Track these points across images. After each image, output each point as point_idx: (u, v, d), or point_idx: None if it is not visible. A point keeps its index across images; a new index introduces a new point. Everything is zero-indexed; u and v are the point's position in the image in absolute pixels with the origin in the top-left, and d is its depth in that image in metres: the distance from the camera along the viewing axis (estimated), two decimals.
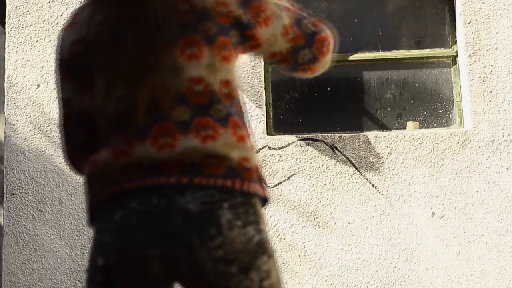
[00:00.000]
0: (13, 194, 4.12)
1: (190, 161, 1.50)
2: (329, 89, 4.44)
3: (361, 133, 4.21)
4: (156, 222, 1.47)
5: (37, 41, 4.27)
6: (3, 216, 4.14)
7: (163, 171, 1.49)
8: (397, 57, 4.42)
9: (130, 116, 1.54)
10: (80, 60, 1.63)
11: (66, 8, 4.30)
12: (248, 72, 4.23)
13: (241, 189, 1.52)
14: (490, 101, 4.19)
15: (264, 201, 1.63)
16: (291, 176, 4.12)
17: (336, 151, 4.13)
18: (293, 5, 1.77)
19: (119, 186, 1.50)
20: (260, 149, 4.15)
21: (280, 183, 4.13)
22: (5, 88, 4.24)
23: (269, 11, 1.67)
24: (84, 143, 1.67)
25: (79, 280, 4.04)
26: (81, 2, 4.28)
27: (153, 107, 1.53)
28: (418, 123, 4.35)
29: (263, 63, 4.30)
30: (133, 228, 1.47)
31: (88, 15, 1.64)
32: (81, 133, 1.67)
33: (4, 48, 4.36)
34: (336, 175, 4.13)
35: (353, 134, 4.20)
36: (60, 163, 4.14)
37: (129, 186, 1.50)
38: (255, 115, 4.18)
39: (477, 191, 4.11)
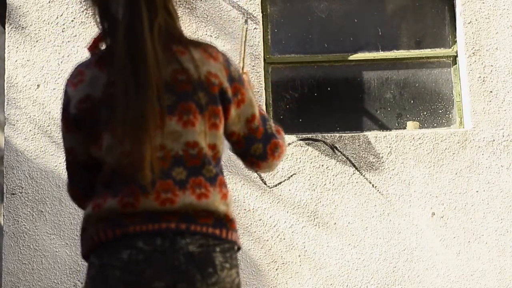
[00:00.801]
0: (13, 194, 4.12)
1: (186, 212, 1.74)
2: (329, 89, 4.44)
3: (361, 133, 4.21)
4: (162, 260, 1.70)
5: (37, 41, 4.27)
6: (3, 216, 4.14)
7: (163, 218, 1.72)
8: (397, 57, 4.42)
9: (136, 172, 1.73)
10: (87, 116, 1.81)
11: (66, 8, 4.30)
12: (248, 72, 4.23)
13: (227, 237, 1.77)
14: (490, 101, 4.19)
15: (238, 248, 1.86)
16: (291, 176, 4.12)
17: (336, 151, 4.13)
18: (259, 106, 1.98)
19: (124, 229, 1.72)
20: None
21: (280, 183, 4.13)
22: (5, 88, 4.24)
23: (245, 95, 1.88)
24: (87, 186, 1.89)
25: (79, 280, 4.04)
26: (80, 2, 4.28)
27: (156, 166, 1.73)
28: (418, 123, 4.35)
29: (263, 63, 4.30)
30: (142, 265, 1.70)
31: (94, 75, 1.82)
32: (84, 178, 1.90)
33: (4, 48, 4.36)
34: (336, 175, 4.13)
35: (353, 134, 4.20)
36: (60, 163, 4.14)
37: (133, 229, 1.72)
38: None
39: (477, 191, 4.11)
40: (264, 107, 4.23)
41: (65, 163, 1.95)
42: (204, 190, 1.75)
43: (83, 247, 1.80)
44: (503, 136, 4.16)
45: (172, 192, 1.73)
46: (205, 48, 1.84)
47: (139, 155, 1.72)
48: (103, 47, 1.87)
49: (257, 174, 4.14)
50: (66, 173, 1.96)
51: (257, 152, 1.93)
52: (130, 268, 1.70)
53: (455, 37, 4.40)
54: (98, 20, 1.89)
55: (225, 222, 1.78)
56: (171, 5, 1.85)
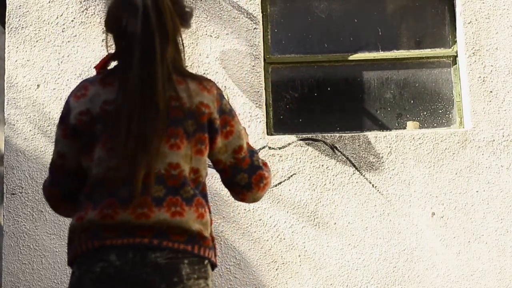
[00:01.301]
0: (13, 194, 4.12)
1: (160, 229, 1.87)
2: (329, 89, 4.44)
3: (361, 133, 4.21)
4: (131, 273, 1.85)
5: (37, 41, 4.27)
6: (3, 216, 4.14)
7: (138, 233, 1.86)
8: (397, 57, 4.42)
9: (117, 186, 1.89)
10: (84, 128, 1.96)
11: (66, 8, 4.30)
12: (248, 72, 4.23)
13: (198, 252, 1.90)
14: (490, 101, 4.19)
15: (214, 265, 2.00)
16: (291, 176, 4.12)
17: (336, 151, 4.13)
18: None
19: (102, 241, 1.87)
20: (260, 149, 4.15)
21: (280, 183, 4.13)
22: (5, 88, 4.24)
23: (234, 127, 2.04)
24: (70, 193, 2.06)
25: None
26: (81, 2, 4.29)
27: (136, 182, 1.87)
28: (418, 123, 4.35)
29: (263, 63, 4.30)
30: (112, 278, 1.85)
31: (96, 92, 1.98)
32: (68, 184, 2.05)
33: (4, 48, 4.36)
34: (336, 175, 4.13)
35: (353, 134, 4.20)
36: None
37: (110, 242, 1.86)
38: (255, 115, 4.18)
39: (477, 191, 4.11)
40: (264, 107, 4.23)
41: (50, 165, 2.09)
42: (179, 208, 1.89)
43: (68, 255, 1.96)
44: (503, 136, 4.16)
45: (148, 208, 1.87)
46: (202, 81, 2.01)
47: (123, 171, 1.88)
48: (110, 67, 2.04)
49: None
50: (49, 174, 2.09)
51: (242, 181, 2.07)
52: (102, 280, 1.85)
53: (455, 37, 4.40)
54: (110, 44, 2.05)
55: (198, 239, 1.91)
56: (179, 39, 2.04)
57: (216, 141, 2.00)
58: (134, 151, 1.87)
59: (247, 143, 2.09)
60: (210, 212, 2.01)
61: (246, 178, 2.07)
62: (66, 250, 1.95)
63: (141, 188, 1.87)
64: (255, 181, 2.07)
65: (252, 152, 2.09)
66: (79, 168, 2.00)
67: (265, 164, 2.12)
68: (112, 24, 2.02)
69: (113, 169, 1.89)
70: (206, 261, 1.93)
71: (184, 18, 2.10)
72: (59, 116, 2.09)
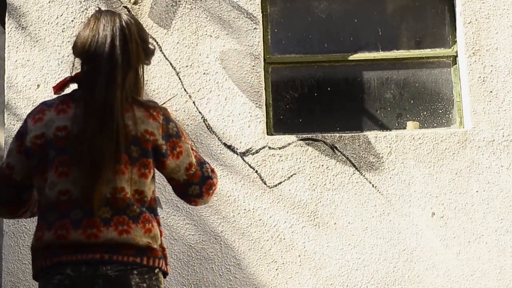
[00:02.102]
0: None
1: (110, 246, 2.06)
2: (329, 89, 4.44)
3: (361, 133, 4.21)
4: (84, 285, 2.05)
5: (37, 41, 4.27)
6: None
7: (91, 250, 2.06)
8: (397, 57, 4.42)
9: (69, 208, 2.07)
10: (37, 150, 2.14)
11: (66, 8, 4.30)
12: (248, 72, 4.23)
13: (147, 263, 2.09)
14: (490, 101, 4.19)
15: (165, 273, 2.19)
16: (291, 176, 4.12)
17: (336, 151, 4.13)
18: (198, 152, 2.33)
19: (58, 258, 2.07)
20: (260, 149, 4.15)
21: (280, 183, 4.13)
22: (5, 88, 4.24)
23: (182, 148, 2.20)
24: (8, 201, 2.28)
25: None
26: (80, 2, 4.29)
27: (86, 205, 2.06)
28: (418, 123, 4.35)
29: (263, 63, 4.30)
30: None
31: (51, 118, 2.15)
32: (11, 194, 2.26)
33: (4, 48, 4.36)
34: (336, 175, 4.13)
35: (353, 134, 4.20)
36: None
37: (66, 258, 2.06)
38: (255, 115, 4.18)
39: (477, 191, 4.11)
40: (264, 107, 4.23)
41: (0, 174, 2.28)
42: (126, 227, 2.08)
43: (32, 271, 2.16)
44: (503, 136, 4.16)
45: (97, 228, 2.06)
46: (149, 108, 2.15)
47: (74, 195, 2.07)
48: (70, 90, 2.20)
49: (257, 174, 4.15)
50: None
51: (194, 192, 2.26)
52: None
53: (455, 37, 4.40)
54: (77, 67, 2.22)
55: (147, 251, 2.10)
56: (140, 69, 2.21)
57: (166, 164, 2.19)
58: (84, 177, 2.05)
59: (196, 156, 2.26)
60: (159, 224, 2.18)
61: (198, 189, 2.25)
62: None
63: (90, 211, 2.06)
64: (205, 189, 2.27)
65: (201, 164, 2.27)
66: (22, 182, 2.22)
67: (212, 170, 2.30)
68: (82, 48, 2.15)
69: (64, 193, 2.09)
70: (157, 270, 2.12)
71: (146, 53, 2.25)
72: None
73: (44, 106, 2.20)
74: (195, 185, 2.24)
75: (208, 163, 2.30)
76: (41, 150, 2.13)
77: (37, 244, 2.13)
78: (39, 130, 2.15)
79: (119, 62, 2.09)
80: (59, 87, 2.21)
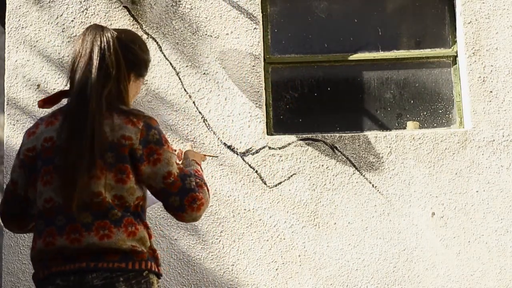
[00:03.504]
0: None
1: (94, 252, 2.12)
2: (329, 89, 4.44)
3: (361, 133, 4.21)
4: None
5: (37, 41, 4.27)
6: None
7: (77, 258, 2.12)
8: (397, 57, 4.42)
9: (54, 215, 2.16)
10: (30, 163, 2.26)
11: (66, 8, 4.30)
12: (248, 72, 4.23)
13: (133, 267, 2.13)
14: (490, 101, 4.19)
15: (158, 274, 2.23)
16: (291, 176, 4.12)
17: (336, 151, 4.13)
18: (193, 166, 2.45)
19: (49, 270, 2.15)
20: (260, 149, 4.15)
21: (280, 183, 4.13)
22: (5, 88, 4.24)
23: (161, 155, 2.21)
24: (16, 214, 2.37)
25: None
26: (80, 2, 4.29)
27: (68, 211, 2.13)
28: (418, 123, 4.35)
29: (263, 63, 4.30)
30: None
31: (41, 130, 2.26)
32: (17, 209, 2.36)
33: (4, 48, 4.36)
34: (336, 175, 4.13)
35: (353, 134, 4.20)
36: None
37: (55, 269, 2.14)
38: (255, 115, 4.18)
39: (477, 191, 4.11)
40: (264, 107, 4.23)
41: (5, 188, 2.40)
42: (108, 231, 2.12)
43: (33, 281, 2.26)
44: (503, 136, 4.16)
45: (79, 233, 2.12)
46: (129, 115, 2.21)
47: (56, 202, 2.15)
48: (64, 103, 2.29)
49: (257, 174, 4.15)
50: (3, 194, 2.40)
51: (175, 204, 2.22)
52: None
53: (455, 37, 4.40)
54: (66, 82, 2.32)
55: (132, 255, 2.13)
56: (124, 79, 2.28)
57: (141, 169, 2.20)
58: (63, 184, 2.13)
59: (180, 168, 2.26)
60: (147, 227, 2.22)
61: (178, 201, 2.21)
62: None
63: (72, 216, 2.13)
64: (187, 202, 2.21)
65: (185, 175, 2.24)
66: (26, 196, 2.31)
67: (200, 185, 2.26)
68: (71, 62, 2.29)
69: (48, 201, 2.17)
70: (145, 273, 2.16)
71: (136, 65, 2.36)
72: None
73: (39, 120, 2.33)
74: (174, 196, 2.21)
75: (199, 178, 2.30)
76: (32, 162, 2.25)
77: (32, 254, 2.24)
78: (31, 143, 2.28)
79: (94, 74, 2.19)
80: (45, 101, 2.35)
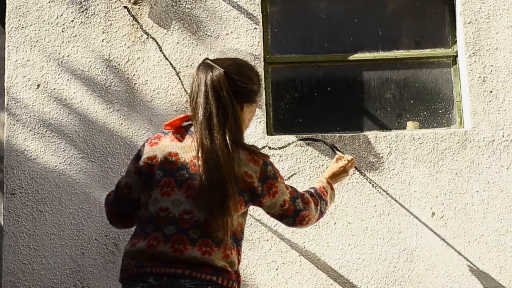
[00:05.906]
0: (13, 194, 4.12)
1: (192, 263, 2.37)
2: (329, 89, 4.44)
3: (361, 133, 4.21)
4: None
5: (37, 41, 4.27)
6: (3, 216, 4.14)
7: (173, 265, 2.36)
8: (397, 57, 4.42)
9: (165, 224, 2.41)
10: (148, 169, 2.53)
11: (66, 8, 4.30)
12: None
13: (222, 283, 2.40)
14: (490, 101, 4.19)
15: None
16: (291, 176, 4.12)
17: (336, 151, 4.13)
18: (293, 188, 2.71)
19: (144, 269, 2.39)
20: (260, 149, 4.15)
21: None
22: (5, 88, 4.24)
23: (278, 188, 2.58)
24: (126, 214, 2.68)
25: (79, 280, 4.04)
26: (80, 2, 4.29)
27: (179, 223, 2.41)
28: (418, 123, 4.35)
29: (263, 63, 4.30)
30: None
31: (165, 143, 2.54)
32: (128, 209, 2.66)
33: (4, 48, 4.36)
34: None
35: (353, 134, 4.20)
36: (60, 163, 4.14)
37: (150, 270, 2.38)
38: (255, 115, 4.18)
39: (477, 191, 4.11)
40: (264, 107, 4.23)
41: (117, 188, 2.68)
42: (209, 249, 2.39)
43: (120, 275, 2.50)
44: (503, 136, 4.16)
45: (183, 245, 2.38)
46: (251, 152, 2.52)
47: (171, 213, 2.42)
48: (184, 124, 2.59)
49: None
50: (114, 194, 2.69)
51: (288, 223, 2.68)
52: None
53: (455, 37, 4.40)
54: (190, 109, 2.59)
55: (222, 273, 2.40)
56: (238, 114, 2.53)
57: (263, 202, 2.56)
58: (176, 197, 2.43)
59: (290, 192, 2.64)
60: (239, 253, 2.52)
61: (291, 221, 2.67)
62: (120, 269, 2.54)
63: (181, 229, 2.40)
64: (298, 221, 2.67)
65: (294, 198, 2.64)
66: (138, 200, 2.57)
67: (306, 203, 2.68)
68: (190, 96, 2.56)
69: (163, 210, 2.43)
70: None
71: (247, 96, 2.60)
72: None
73: (162, 133, 2.60)
74: (288, 218, 2.64)
75: (303, 195, 2.69)
76: (151, 170, 2.51)
77: (130, 250, 2.46)
78: (152, 152, 2.54)
79: (214, 114, 2.45)
80: (170, 124, 2.58)
